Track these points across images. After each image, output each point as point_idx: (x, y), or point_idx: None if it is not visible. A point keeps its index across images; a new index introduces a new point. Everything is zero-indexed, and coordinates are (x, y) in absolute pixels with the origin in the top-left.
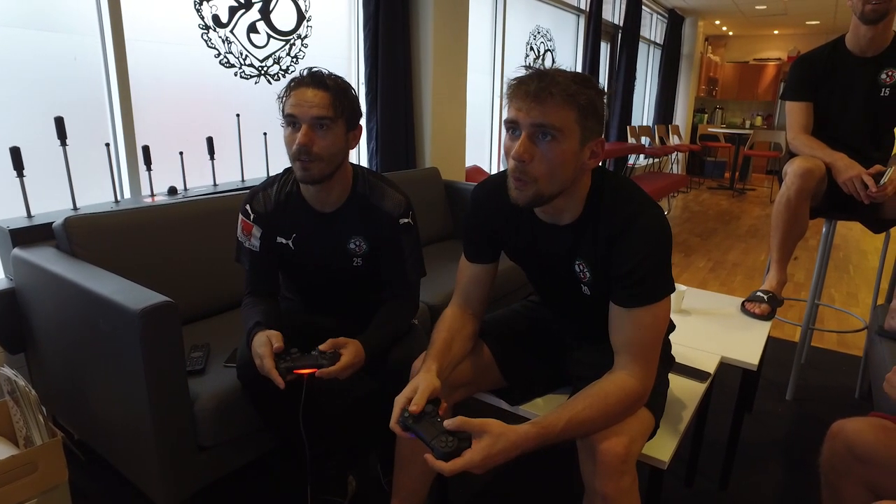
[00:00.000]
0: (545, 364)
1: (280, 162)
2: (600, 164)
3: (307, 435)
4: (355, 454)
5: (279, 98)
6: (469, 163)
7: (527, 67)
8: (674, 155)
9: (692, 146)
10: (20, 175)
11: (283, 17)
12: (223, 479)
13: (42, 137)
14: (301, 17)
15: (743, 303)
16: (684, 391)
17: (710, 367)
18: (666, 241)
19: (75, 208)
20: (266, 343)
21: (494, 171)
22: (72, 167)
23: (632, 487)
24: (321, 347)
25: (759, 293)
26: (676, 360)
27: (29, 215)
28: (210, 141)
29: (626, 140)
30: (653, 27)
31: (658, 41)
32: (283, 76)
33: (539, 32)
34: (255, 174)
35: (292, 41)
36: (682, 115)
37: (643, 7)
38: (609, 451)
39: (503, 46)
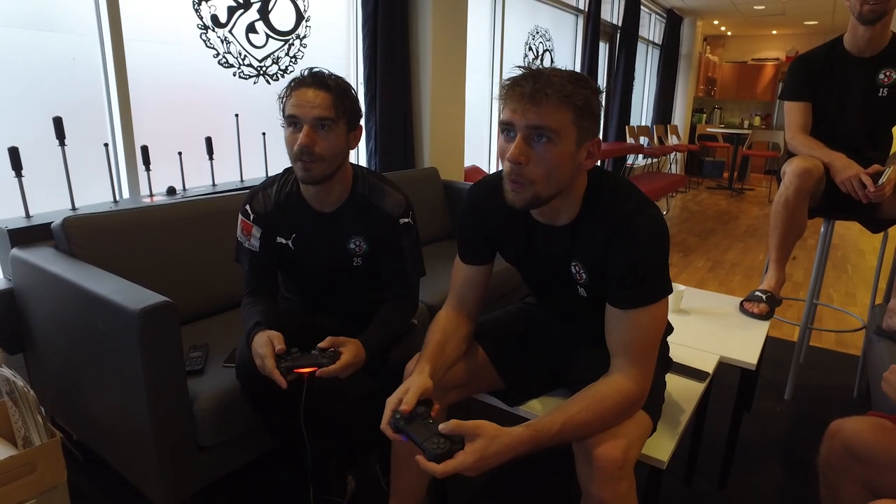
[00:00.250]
0: (542, 365)
1: (279, 162)
2: (597, 163)
3: (308, 434)
4: (355, 454)
5: (280, 98)
6: (468, 163)
7: (521, 68)
8: (672, 155)
9: (691, 146)
10: (19, 175)
11: (282, 17)
12: (222, 479)
13: (41, 137)
14: (300, 17)
15: (741, 302)
16: (683, 391)
17: (708, 366)
18: (664, 242)
19: (74, 208)
20: (267, 343)
21: (493, 171)
22: (70, 167)
23: (629, 492)
24: (320, 345)
25: (757, 293)
26: (675, 360)
27: (27, 215)
28: (209, 141)
29: (624, 140)
30: (651, 27)
31: (657, 41)
32: (282, 76)
33: (538, 32)
34: (254, 174)
35: (291, 41)
36: (680, 115)
37: (642, 7)
38: (606, 456)
39: (502, 46)
